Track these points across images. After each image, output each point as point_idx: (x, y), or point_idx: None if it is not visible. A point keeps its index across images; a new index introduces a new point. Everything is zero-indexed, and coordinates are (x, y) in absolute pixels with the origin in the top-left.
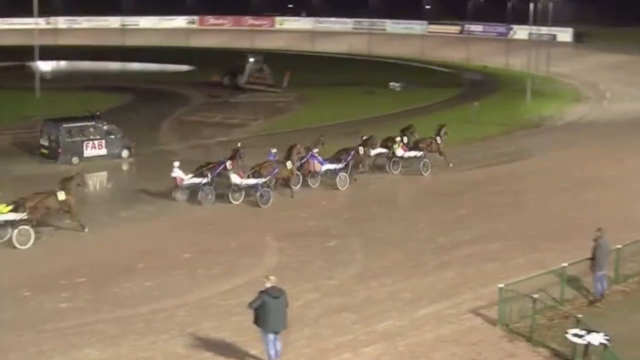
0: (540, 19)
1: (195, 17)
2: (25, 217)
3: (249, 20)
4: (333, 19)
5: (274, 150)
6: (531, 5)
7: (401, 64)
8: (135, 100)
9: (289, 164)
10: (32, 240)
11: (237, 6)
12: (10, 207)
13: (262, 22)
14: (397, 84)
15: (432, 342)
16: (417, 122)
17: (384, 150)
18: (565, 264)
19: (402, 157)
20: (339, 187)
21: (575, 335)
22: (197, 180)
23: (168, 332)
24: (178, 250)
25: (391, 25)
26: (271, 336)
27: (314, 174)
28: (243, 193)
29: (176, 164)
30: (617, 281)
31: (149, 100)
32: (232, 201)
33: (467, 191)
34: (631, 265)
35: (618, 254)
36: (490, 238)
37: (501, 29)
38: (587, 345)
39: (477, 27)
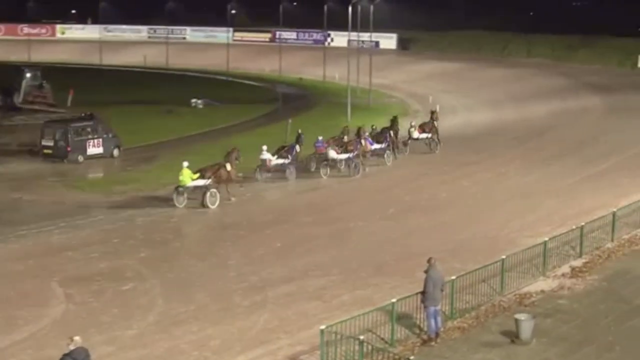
0: (361, 25)
1: None
2: (211, 183)
3: (25, 29)
4: (125, 26)
5: (320, 138)
6: (350, 9)
7: (204, 77)
8: None
9: (363, 142)
10: (218, 202)
11: (10, 12)
12: (197, 175)
13: (40, 31)
14: (199, 101)
15: None
16: (221, 144)
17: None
18: (394, 300)
19: (417, 139)
20: (387, 164)
21: None
22: (281, 160)
23: None
24: None
25: (192, 33)
26: None
27: (365, 153)
28: (329, 169)
29: (264, 147)
30: (453, 317)
31: None
32: (322, 175)
33: (282, 221)
34: (467, 299)
35: (452, 286)
36: (309, 274)
37: (317, 35)
38: None
39: (290, 34)
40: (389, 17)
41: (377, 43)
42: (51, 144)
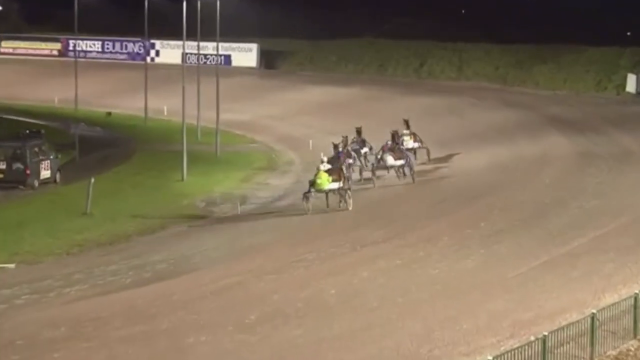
0: (203, 30)
1: None
2: (347, 184)
3: None
4: None
5: (340, 149)
6: (184, 6)
7: None
8: None
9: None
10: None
11: None
12: (332, 178)
13: None
14: None
15: None
16: None
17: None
18: None
19: (412, 149)
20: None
21: None
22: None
23: None
24: None
25: None
26: None
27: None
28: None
29: (324, 158)
30: None
31: None
32: (373, 184)
33: (80, 337)
34: None
35: None
36: None
37: (135, 46)
38: None
39: (92, 44)
40: (246, 20)
41: (227, 58)
42: (3, 167)
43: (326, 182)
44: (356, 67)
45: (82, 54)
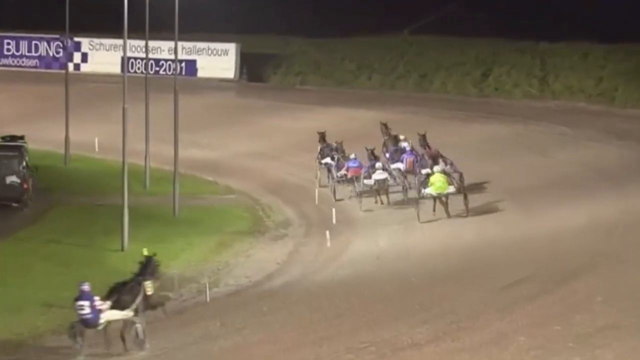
0: (154, 24)
1: None
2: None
3: None
4: None
5: (353, 156)
6: None
7: None
8: None
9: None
10: None
11: None
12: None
13: None
14: None
15: None
16: None
17: None
18: None
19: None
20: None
21: None
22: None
23: None
24: None
25: None
26: None
27: None
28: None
29: (379, 165)
30: None
31: None
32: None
33: None
34: None
35: None
36: None
37: (50, 47)
38: None
39: None
40: (221, 8)
41: (191, 65)
42: None
43: (446, 185)
44: (384, 79)
45: None
